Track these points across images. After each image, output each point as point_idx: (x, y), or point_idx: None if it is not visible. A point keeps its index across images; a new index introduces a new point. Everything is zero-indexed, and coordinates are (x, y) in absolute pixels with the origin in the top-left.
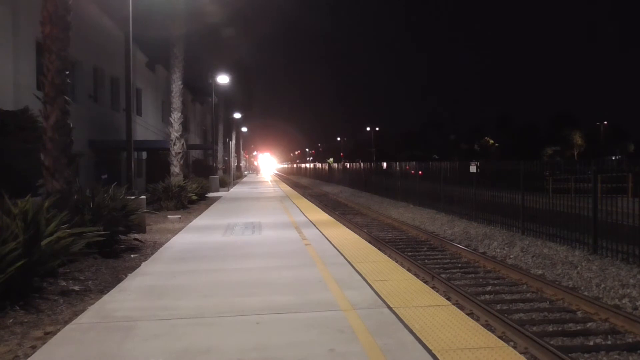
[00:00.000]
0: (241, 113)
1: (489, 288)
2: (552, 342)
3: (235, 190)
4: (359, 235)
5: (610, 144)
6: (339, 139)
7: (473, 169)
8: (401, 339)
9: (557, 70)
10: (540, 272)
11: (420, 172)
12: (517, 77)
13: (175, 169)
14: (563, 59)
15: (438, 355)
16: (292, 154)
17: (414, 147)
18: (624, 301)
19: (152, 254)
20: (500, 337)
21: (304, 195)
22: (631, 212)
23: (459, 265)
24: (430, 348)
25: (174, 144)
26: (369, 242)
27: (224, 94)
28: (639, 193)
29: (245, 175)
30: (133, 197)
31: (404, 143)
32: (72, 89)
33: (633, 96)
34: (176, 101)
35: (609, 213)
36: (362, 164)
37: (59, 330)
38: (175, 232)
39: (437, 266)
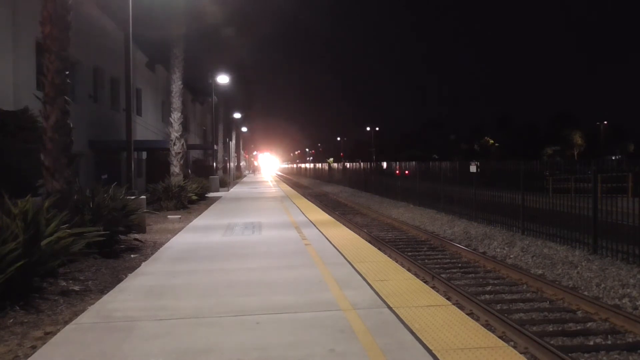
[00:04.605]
0: (241, 113)
1: (489, 288)
2: (552, 342)
3: (235, 190)
4: (359, 235)
5: (610, 144)
6: (339, 138)
7: (473, 169)
8: (401, 338)
9: (557, 70)
10: (540, 271)
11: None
12: (517, 77)
13: (175, 169)
14: (563, 59)
15: (438, 355)
16: (292, 154)
17: (414, 147)
18: (624, 301)
19: (152, 254)
20: (500, 337)
21: (304, 195)
22: (631, 212)
23: (459, 265)
24: (430, 348)
25: (174, 144)
26: (369, 242)
27: (224, 94)
28: (639, 193)
29: (245, 176)
30: (133, 197)
31: (404, 143)
32: (72, 89)
33: (633, 96)
34: (176, 101)
35: (609, 213)
36: (362, 164)
37: (59, 330)
38: (175, 232)
39: (437, 266)
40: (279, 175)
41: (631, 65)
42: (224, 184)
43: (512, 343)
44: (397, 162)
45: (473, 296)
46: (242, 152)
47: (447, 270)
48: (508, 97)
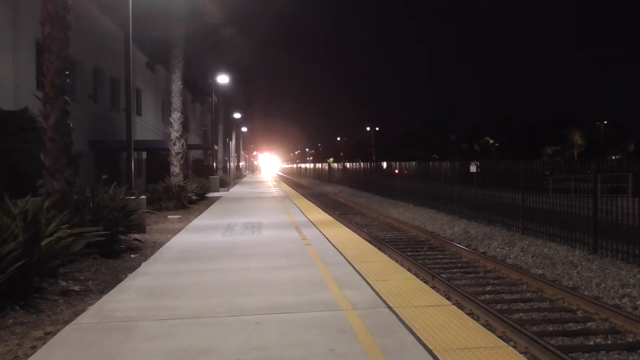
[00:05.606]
0: (241, 113)
1: (489, 288)
2: (552, 342)
3: (235, 190)
4: (359, 235)
5: (610, 144)
6: (339, 138)
7: (473, 169)
8: (401, 338)
9: (557, 70)
10: (540, 271)
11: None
12: (516, 77)
13: (175, 169)
14: (563, 58)
15: (438, 355)
16: (292, 154)
17: (414, 147)
18: (624, 301)
19: (152, 254)
20: (500, 337)
21: (304, 195)
22: (631, 211)
23: (459, 265)
24: (431, 348)
25: (174, 144)
26: (369, 242)
27: (224, 94)
28: (639, 193)
29: (245, 176)
30: (133, 197)
31: (404, 143)
32: (72, 89)
33: (633, 96)
34: (176, 101)
35: (609, 213)
36: (362, 164)
37: (59, 330)
38: (175, 232)
39: (437, 266)
40: (279, 175)
41: (631, 65)
42: (224, 184)
43: (512, 343)
44: (397, 162)
45: (473, 296)
46: (242, 152)
47: (447, 270)
48: (508, 97)
